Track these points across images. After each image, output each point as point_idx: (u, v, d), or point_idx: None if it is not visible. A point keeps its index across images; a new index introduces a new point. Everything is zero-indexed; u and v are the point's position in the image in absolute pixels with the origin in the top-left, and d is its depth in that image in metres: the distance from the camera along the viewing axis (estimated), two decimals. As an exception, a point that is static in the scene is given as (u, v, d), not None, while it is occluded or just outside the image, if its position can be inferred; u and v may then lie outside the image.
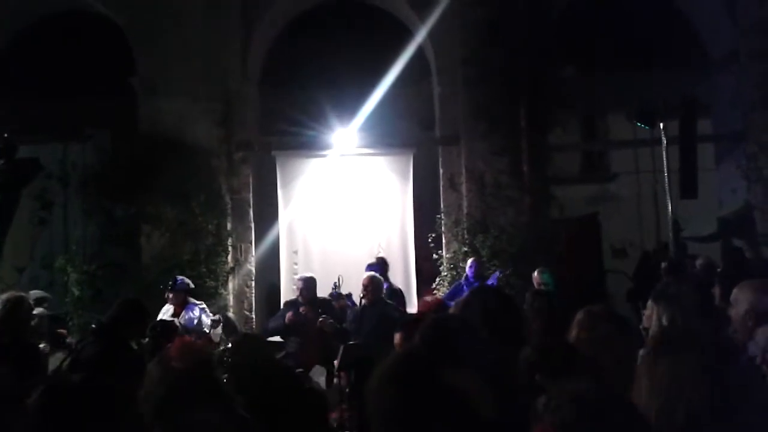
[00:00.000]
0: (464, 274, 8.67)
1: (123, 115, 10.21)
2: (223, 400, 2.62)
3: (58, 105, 10.68)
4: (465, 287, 7.98)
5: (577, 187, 12.32)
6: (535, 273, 7.88)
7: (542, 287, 7.28)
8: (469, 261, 8.67)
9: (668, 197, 9.07)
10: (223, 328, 7.31)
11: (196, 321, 7.00)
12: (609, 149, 13.40)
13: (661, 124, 8.82)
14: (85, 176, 10.10)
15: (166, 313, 7.18)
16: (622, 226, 12.70)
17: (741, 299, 3.42)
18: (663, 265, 7.61)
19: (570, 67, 12.10)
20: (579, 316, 3.04)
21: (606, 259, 12.58)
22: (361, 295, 7.09)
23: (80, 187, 10.13)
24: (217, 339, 7.07)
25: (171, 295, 7.25)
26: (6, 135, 6.06)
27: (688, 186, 8.40)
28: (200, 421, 2.49)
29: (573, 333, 2.98)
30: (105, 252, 10.05)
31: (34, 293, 7.32)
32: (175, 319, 6.76)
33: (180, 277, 7.48)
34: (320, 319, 6.94)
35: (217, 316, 7.36)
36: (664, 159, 9.17)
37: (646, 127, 9.08)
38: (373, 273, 7.43)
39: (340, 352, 6.18)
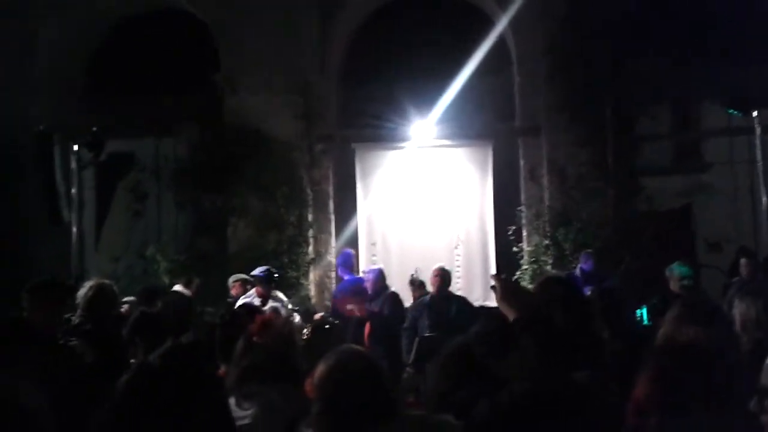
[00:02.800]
0: (578, 267, 8.42)
1: (210, 110, 10.56)
2: (295, 378, 2.71)
3: (150, 101, 11.14)
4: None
5: (668, 178, 11.77)
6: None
7: (684, 282, 6.28)
8: (583, 255, 8.41)
9: (763, 188, 8.56)
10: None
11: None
12: (702, 138, 12.74)
13: (755, 112, 8.31)
14: (176, 169, 10.52)
15: (252, 301, 7.23)
16: (717, 219, 12.06)
17: None
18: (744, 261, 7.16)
19: (657, 54, 11.60)
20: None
21: (700, 254, 12.00)
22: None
23: (172, 179, 10.56)
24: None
25: (257, 287, 7.23)
26: (95, 129, 6.37)
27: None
28: (268, 395, 2.62)
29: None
30: (194, 242, 10.46)
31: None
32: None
33: (264, 268, 7.47)
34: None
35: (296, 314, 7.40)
36: (758, 148, 8.65)
37: (739, 114, 8.59)
38: (442, 265, 7.38)
39: (415, 345, 6.17)
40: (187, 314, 7.42)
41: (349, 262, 8.75)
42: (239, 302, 6.93)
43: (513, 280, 2.68)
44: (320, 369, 2.16)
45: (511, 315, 2.49)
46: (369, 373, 2.14)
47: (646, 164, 10.46)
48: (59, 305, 4.11)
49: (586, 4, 9.48)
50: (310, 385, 2.17)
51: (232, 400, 2.64)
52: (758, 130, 8.52)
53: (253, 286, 7.43)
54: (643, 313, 6.96)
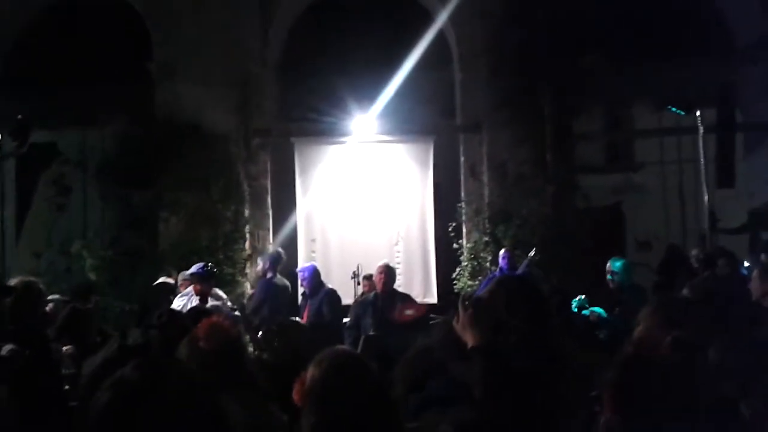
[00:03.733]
0: (497, 267, 8.41)
1: (141, 101, 10.12)
2: (248, 385, 2.49)
3: (76, 91, 10.61)
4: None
5: (601, 176, 12.04)
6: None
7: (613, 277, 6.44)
8: (502, 252, 8.34)
9: (704, 186, 8.80)
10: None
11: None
12: (634, 138, 13.09)
13: (698, 111, 8.53)
14: (103, 162, 10.03)
15: (190, 302, 6.86)
16: (647, 218, 12.42)
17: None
18: (694, 254, 7.31)
19: (594, 56, 11.82)
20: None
21: (630, 251, 12.32)
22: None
23: (98, 172, 10.07)
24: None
25: (196, 284, 6.75)
26: (20, 117, 5.95)
27: (725, 174, 8.14)
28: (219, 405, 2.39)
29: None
30: (123, 238, 9.99)
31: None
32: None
33: (201, 264, 7.11)
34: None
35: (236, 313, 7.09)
36: (700, 147, 8.93)
37: (682, 113, 8.82)
38: (387, 262, 7.26)
39: (360, 345, 6.01)
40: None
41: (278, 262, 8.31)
42: (175, 304, 6.59)
43: (477, 302, 2.51)
44: (312, 373, 1.95)
45: (469, 340, 2.39)
46: (367, 379, 1.95)
47: (580, 162, 10.63)
48: None
49: (527, 1, 9.53)
50: (298, 392, 1.95)
51: None
52: (701, 129, 8.75)
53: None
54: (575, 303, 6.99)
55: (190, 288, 6.78)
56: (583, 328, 5.29)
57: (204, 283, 6.61)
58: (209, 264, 6.95)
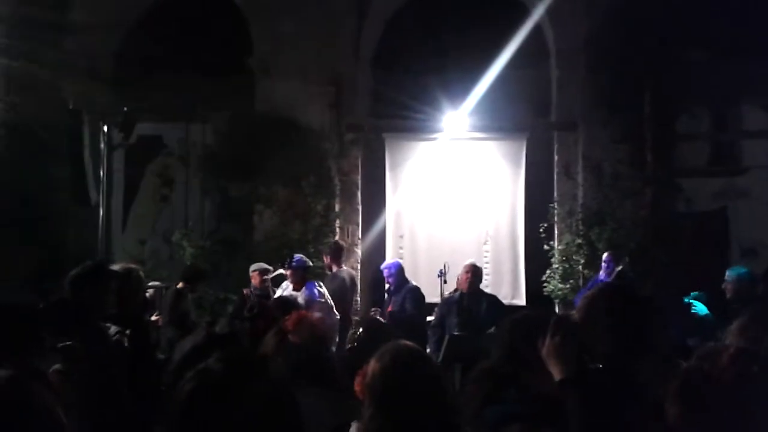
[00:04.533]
0: (591, 271, 8.17)
1: (242, 96, 10.45)
2: (332, 380, 2.53)
3: (181, 85, 11.04)
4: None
5: (704, 179, 11.47)
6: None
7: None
8: (605, 255, 7.92)
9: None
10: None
11: (318, 297, 6.94)
12: (740, 140, 12.38)
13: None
14: (203, 155, 10.43)
15: (285, 289, 7.14)
16: (753, 224, 11.72)
17: None
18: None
19: (700, 52, 11.27)
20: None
21: (734, 258, 11.69)
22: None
23: (199, 165, 10.48)
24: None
25: (290, 273, 7.13)
26: (126, 110, 6.28)
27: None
28: (303, 400, 2.44)
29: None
30: (221, 229, 10.38)
31: None
32: (297, 294, 6.70)
33: (298, 255, 7.36)
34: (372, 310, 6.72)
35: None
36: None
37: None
38: (473, 261, 7.18)
39: (444, 344, 5.97)
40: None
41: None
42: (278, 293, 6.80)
43: (565, 329, 2.39)
44: (373, 367, 1.97)
45: (554, 371, 2.31)
46: (429, 375, 1.95)
47: (682, 164, 10.18)
48: (105, 290, 4.04)
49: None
50: (360, 384, 1.98)
51: None
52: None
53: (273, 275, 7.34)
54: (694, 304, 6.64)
55: (286, 282, 6.99)
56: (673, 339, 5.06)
57: (298, 274, 6.79)
58: (302, 257, 7.14)
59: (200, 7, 10.97)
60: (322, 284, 7.27)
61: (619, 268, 7.74)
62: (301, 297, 6.66)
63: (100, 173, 7.82)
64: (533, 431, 2.15)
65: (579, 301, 3.38)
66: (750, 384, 1.93)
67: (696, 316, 5.70)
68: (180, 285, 6.54)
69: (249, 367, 1.46)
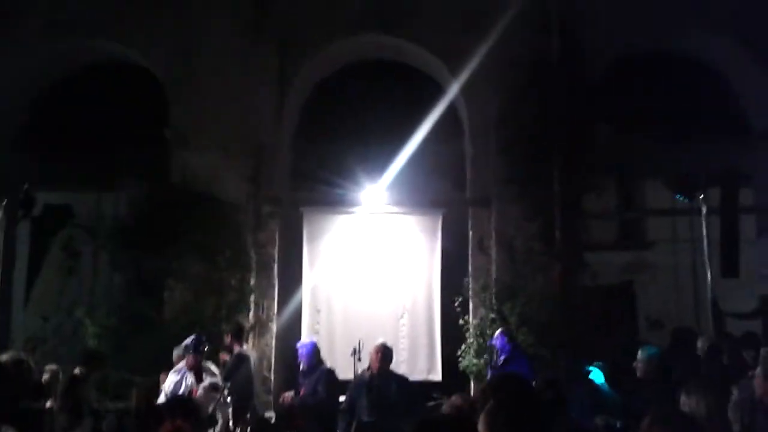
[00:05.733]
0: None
1: (157, 167, 10.28)
2: None
3: (94, 155, 10.78)
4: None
5: (611, 253, 11.93)
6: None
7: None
8: (497, 332, 8.29)
9: (708, 270, 8.69)
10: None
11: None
12: (645, 217, 13.00)
13: (701, 195, 8.49)
14: (113, 227, 10.12)
15: (184, 379, 6.64)
16: (659, 297, 12.21)
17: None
18: (699, 345, 7.17)
19: (606, 128, 11.84)
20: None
21: (641, 330, 12.09)
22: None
23: (108, 238, 10.14)
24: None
25: (191, 358, 6.67)
26: (26, 187, 6.06)
27: (729, 263, 8.04)
28: None
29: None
30: (130, 304, 9.99)
31: None
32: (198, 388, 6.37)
33: (193, 336, 6.97)
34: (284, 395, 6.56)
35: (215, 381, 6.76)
36: (704, 229, 8.82)
37: (686, 200, 8.77)
38: (384, 341, 7.14)
39: (353, 430, 5.86)
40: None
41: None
42: (169, 380, 6.51)
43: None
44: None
45: None
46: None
47: (590, 239, 10.55)
48: None
49: (538, 79, 9.65)
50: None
51: None
52: (704, 210, 8.68)
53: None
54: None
55: (182, 363, 6.71)
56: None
57: (195, 356, 6.56)
58: (199, 335, 6.91)
59: (116, 77, 10.86)
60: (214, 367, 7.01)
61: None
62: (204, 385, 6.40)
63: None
64: None
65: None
66: None
67: (592, 384, 5.81)
68: (77, 370, 6.21)
69: None
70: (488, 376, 8.17)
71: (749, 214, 10.47)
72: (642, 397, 5.79)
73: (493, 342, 8.06)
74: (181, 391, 6.32)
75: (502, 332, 8.18)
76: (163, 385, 6.69)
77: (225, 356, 7.80)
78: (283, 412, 5.83)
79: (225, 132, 9.92)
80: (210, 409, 5.47)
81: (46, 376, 6.47)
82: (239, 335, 8.05)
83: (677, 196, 8.94)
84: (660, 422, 2.83)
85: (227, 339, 8.07)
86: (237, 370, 7.18)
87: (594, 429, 5.31)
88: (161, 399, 6.37)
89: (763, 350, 5.09)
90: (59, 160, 10.25)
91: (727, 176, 8.53)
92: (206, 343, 6.89)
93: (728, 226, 8.24)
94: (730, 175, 8.53)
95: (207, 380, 6.26)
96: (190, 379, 6.43)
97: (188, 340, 6.81)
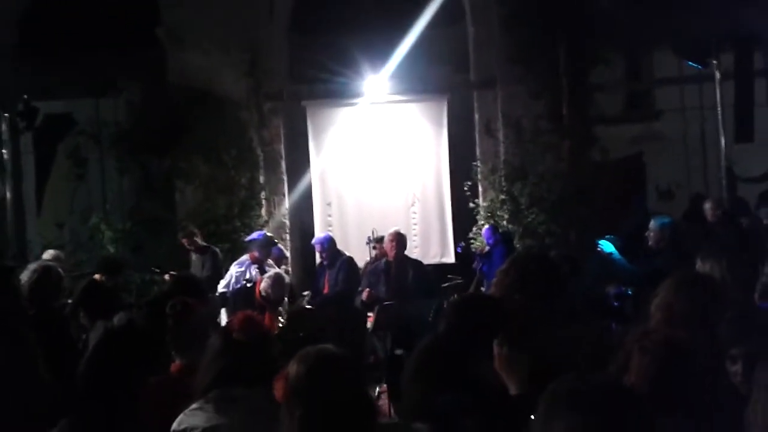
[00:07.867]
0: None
1: (154, 68, 10.05)
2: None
3: (89, 60, 10.52)
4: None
5: (620, 126, 11.80)
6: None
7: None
8: (484, 230, 8.69)
9: (721, 136, 8.57)
10: None
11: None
12: (654, 87, 12.75)
13: (714, 61, 8.25)
14: (116, 132, 10.05)
15: (248, 270, 6.78)
16: (669, 167, 12.19)
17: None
18: (707, 207, 7.07)
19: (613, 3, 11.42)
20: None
21: (651, 201, 12.16)
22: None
23: (113, 143, 10.10)
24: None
25: (256, 252, 6.81)
26: (26, 97, 5.96)
27: (744, 128, 7.91)
28: (245, 397, 2.44)
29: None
30: (142, 207, 10.08)
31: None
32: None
33: (261, 232, 7.25)
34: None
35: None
36: (718, 95, 8.63)
37: (699, 67, 8.52)
38: (398, 229, 7.18)
39: (375, 313, 6.02)
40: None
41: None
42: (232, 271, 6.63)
43: (514, 338, 2.38)
44: (297, 370, 1.97)
45: (510, 386, 2.31)
46: (352, 377, 1.99)
47: (598, 113, 10.41)
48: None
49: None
50: (281, 388, 1.98)
51: (203, 404, 2.44)
52: (718, 76, 8.46)
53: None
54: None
55: (246, 256, 6.87)
56: (604, 302, 5.22)
57: (261, 250, 6.70)
58: (265, 233, 7.09)
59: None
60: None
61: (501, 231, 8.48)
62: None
63: (3, 160, 7.42)
64: (489, 430, 2.15)
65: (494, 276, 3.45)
66: None
67: (603, 254, 5.85)
68: (97, 276, 6.33)
69: None
70: (474, 263, 8.43)
71: (760, 78, 10.22)
72: (654, 266, 5.85)
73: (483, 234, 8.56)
74: (243, 282, 6.60)
75: (490, 226, 8.65)
76: (227, 275, 6.92)
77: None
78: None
79: (218, 27, 9.62)
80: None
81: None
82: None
83: (689, 63, 8.67)
84: (686, 285, 2.85)
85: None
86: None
87: (605, 296, 5.42)
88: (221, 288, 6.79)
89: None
90: (54, 70, 10.04)
91: (740, 39, 8.22)
92: (274, 241, 7.09)
93: (743, 90, 8.01)
94: (744, 38, 8.23)
95: (271, 271, 6.37)
96: (254, 271, 6.61)
97: (255, 235, 7.02)
